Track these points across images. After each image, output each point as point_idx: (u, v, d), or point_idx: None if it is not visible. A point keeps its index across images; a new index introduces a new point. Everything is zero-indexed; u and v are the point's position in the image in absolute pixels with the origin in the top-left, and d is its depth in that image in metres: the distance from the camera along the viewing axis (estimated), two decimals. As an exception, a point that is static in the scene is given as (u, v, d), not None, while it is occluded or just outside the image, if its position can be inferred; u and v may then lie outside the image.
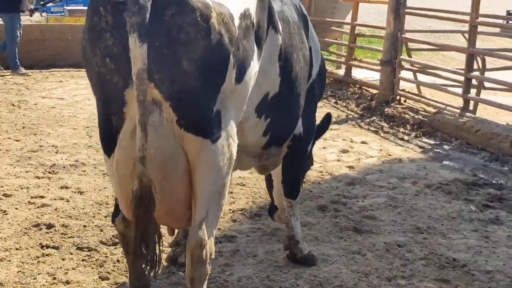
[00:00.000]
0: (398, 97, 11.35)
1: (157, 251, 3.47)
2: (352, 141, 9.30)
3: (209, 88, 3.44)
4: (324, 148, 8.84)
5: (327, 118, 5.67)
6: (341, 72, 13.93)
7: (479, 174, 7.91)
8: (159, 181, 3.43)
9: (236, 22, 3.55)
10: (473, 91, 10.38)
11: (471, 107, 10.10)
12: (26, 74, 13.63)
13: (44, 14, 21.04)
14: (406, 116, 10.51)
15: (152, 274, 3.55)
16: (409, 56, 12.02)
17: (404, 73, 11.61)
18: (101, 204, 6.32)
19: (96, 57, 3.40)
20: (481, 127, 9.12)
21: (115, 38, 3.32)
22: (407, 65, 11.57)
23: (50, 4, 22.03)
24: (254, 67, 3.77)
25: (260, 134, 4.36)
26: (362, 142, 9.25)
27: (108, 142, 3.58)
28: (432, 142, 9.45)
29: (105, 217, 5.99)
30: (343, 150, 8.76)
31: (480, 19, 9.79)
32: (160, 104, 3.37)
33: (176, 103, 3.37)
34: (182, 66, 3.31)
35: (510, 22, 18.28)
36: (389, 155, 8.68)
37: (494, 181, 7.63)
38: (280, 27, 4.17)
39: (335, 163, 8.19)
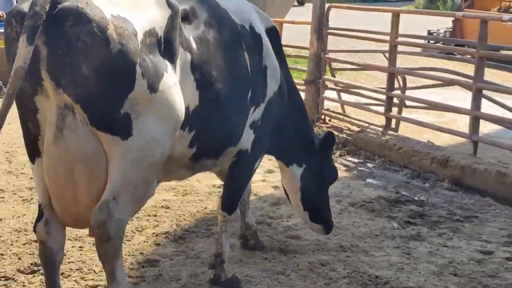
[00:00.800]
0: (323, 117, 11.46)
1: None
2: (277, 161, 9.32)
3: (113, 93, 3.77)
4: (249, 168, 8.83)
5: (329, 136, 5.96)
6: (267, 92, 13.99)
7: (401, 191, 8.03)
8: (87, 179, 3.82)
9: (140, 37, 3.87)
10: (395, 110, 10.56)
11: (393, 125, 10.27)
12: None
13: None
14: (330, 135, 10.60)
15: None
16: (333, 75, 12.16)
17: (328, 93, 11.74)
18: (19, 231, 6.15)
19: (9, 65, 3.68)
20: (403, 145, 9.29)
21: None
22: (331, 85, 11.70)
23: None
24: (170, 78, 4.04)
25: (186, 146, 4.51)
26: (287, 162, 9.27)
27: (29, 148, 3.93)
28: (356, 160, 9.57)
29: (24, 244, 5.83)
30: (269, 170, 8.76)
31: (400, 39, 9.99)
32: (71, 108, 3.69)
33: (83, 105, 3.70)
34: (83, 72, 3.64)
35: (431, 41, 18.69)
36: (315, 174, 8.73)
37: (416, 198, 7.77)
38: (193, 45, 4.40)
39: (261, 183, 8.19)
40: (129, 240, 6.10)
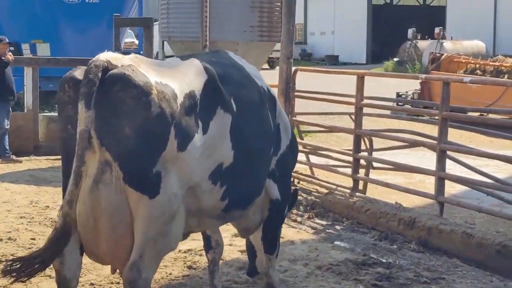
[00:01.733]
0: (292, 179, 11.43)
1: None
2: (245, 225, 9.23)
3: (149, 152, 4.24)
4: (216, 232, 8.73)
5: (294, 193, 6.45)
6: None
7: (369, 253, 7.97)
8: (107, 231, 4.26)
9: (179, 100, 4.38)
10: (363, 171, 10.57)
11: (361, 187, 10.27)
12: (17, 161, 13.15)
13: None
14: (299, 197, 10.56)
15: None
16: (301, 138, 12.21)
17: (296, 155, 11.73)
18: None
19: (60, 124, 4.34)
20: (371, 207, 9.27)
21: (76, 109, 4.12)
22: (299, 147, 11.71)
23: None
24: (199, 139, 4.51)
25: (218, 199, 4.91)
26: (255, 225, 9.19)
27: (64, 189, 4.29)
28: (324, 222, 9.51)
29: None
30: (236, 234, 8.64)
31: (366, 101, 10.08)
32: (110, 165, 4.17)
33: (122, 163, 4.16)
34: (125, 132, 4.13)
35: (400, 104, 18.84)
36: (282, 237, 8.61)
37: (383, 260, 7.71)
38: (233, 107, 4.89)
39: (227, 248, 8.07)
40: (90, 309, 5.98)
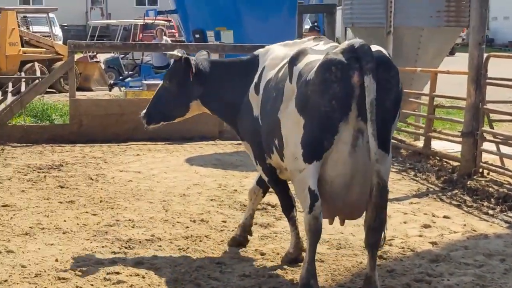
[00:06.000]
0: (480, 170, 10.93)
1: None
2: (434, 216, 8.93)
3: (393, 117, 5.55)
4: (405, 222, 8.50)
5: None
6: (420, 144, 13.57)
7: None
8: (361, 186, 5.48)
9: None
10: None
11: (559, 180, 9.61)
12: None
13: (123, 88, 21.49)
14: (490, 189, 10.07)
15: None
16: (491, 127, 11.63)
17: (486, 145, 11.22)
18: (176, 281, 6.18)
19: (323, 101, 5.31)
20: None
21: (341, 87, 5.27)
22: (489, 137, 11.18)
23: (129, 78, 22.55)
24: None
25: None
26: (444, 217, 8.87)
27: (316, 155, 5.48)
28: (519, 216, 9.00)
29: (181, 294, 5.85)
30: (425, 225, 8.41)
31: None
32: (362, 131, 5.32)
33: (376, 131, 5.17)
34: (386, 106, 5.34)
35: None
36: (474, 230, 8.28)
37: None
38: None
39: (417, 239, 7.86)
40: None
